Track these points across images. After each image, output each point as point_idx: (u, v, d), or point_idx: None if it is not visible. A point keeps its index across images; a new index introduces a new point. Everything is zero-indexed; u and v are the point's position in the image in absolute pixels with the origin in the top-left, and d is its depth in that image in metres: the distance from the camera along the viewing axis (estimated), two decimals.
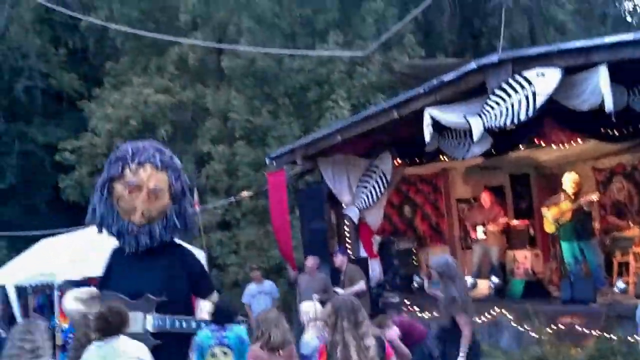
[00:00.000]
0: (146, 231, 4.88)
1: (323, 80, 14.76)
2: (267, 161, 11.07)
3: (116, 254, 5.16)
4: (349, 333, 3.96)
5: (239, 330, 5.01)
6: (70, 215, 18.37)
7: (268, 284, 10.16)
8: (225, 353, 4.92)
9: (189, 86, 16.68)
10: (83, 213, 17.92)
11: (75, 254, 11.43)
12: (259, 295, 9.92)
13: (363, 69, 14.39)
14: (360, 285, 8.86)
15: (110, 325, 4.21)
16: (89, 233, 13.09)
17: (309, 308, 5.76)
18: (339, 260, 9.22)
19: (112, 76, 18.95)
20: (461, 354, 5.44)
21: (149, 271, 4.88)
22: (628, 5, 21.19)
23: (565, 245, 9.04)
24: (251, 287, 10.10)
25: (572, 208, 8.82)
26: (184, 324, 4.80)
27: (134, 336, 4.43)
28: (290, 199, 11.13)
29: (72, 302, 4.80)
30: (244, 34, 15.16)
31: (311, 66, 14.79)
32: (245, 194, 12.97)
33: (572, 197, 8.92)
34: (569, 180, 9.01)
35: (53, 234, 14.85)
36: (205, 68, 17.01)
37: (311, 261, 9.14)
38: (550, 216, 9.08)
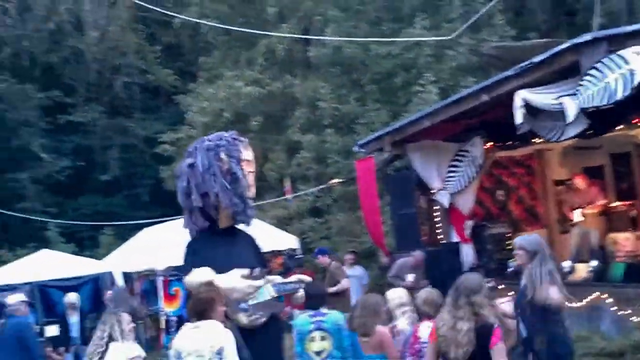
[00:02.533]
0: (252, 206, 5.29)
1: (410, 65, 14.66)
2: (356, 149, 11.18)
3: (199, 242, 5.31)
4: (463, 315, 4.09)
5: (336, 315, 5.15)
6: (171, 205, 19.22)
7: (359, 269, 10.31)
8: (323, 337, 5.06)
9: (277, 77, 17.04)
10: None
11: (177, 242, 11.97)
12: (350, 278, 10.10)
13: (451, 52, 14.18)
14: (342, 285, 9.13)
15: (203, 307, 4.39)
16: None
17: (395, 294, 5.81)
18: (322, 260, 9.36)
19: (206, 70, 19.65)
20: None
21: (241, 247, 5.19)
22: None
23: None
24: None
25: None
26: (290, 286, 5.18)
27: (266, 304, 4.84)
28: (379, 185, 11.20)
29: (239, 280, 4.94)
30: (330, 23, 15.29)
31: (398, 51, 14.72)
32: (335, 181, 13.16)
33: None
34: None
35: (155, 223, 15.67)
36: (292, 58, 17.32)
37: (418, 255, 9.19)
38: None
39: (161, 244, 12.48)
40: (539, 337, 4.87)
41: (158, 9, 16.03)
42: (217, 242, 5.20)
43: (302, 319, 5.13)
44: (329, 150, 14.78)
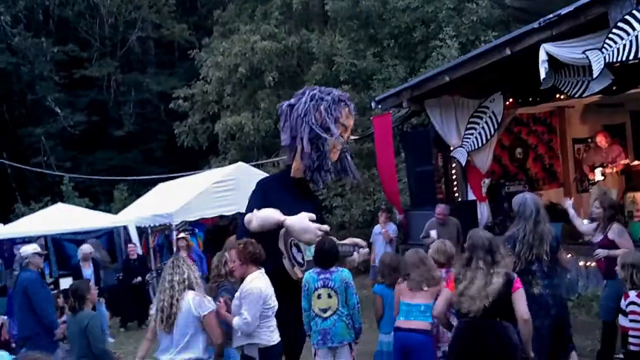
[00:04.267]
0: (334, 171, 5.53)
1: (430, 19, 14.29)
2: (373, 104, 10.97)
3: (270, 184, 5.57)
4: (479, 272, 4.19)
5: (344, 273, 5.08)
6: (185, 160, 19.32)
7: (392, 228, 10.19)
8: (329, 295, 5.02)
9: (294, 31, 16.75)
10: (197, 157, 18.86)
11: (191, 197, 12.00)
12: (378, 235, 10.04)
13: (472, 5, 13.77)
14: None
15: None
16: (203, 177, 13.80)
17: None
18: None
19: (221, 24, 19.35)
20: None
21: (307, 205, 5.31)
22: None
23: None
24: (375, 228, 10.29)
25: None
26: (345, 247, 5.42)
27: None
28: (395, 142, 11.03)
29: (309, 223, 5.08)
30: None
31: (417, 4, 14.34)
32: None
33: None
34: None
35: (169, 178, 15.69)
36: (309, 12, 16.97)
37: (442, 209, 9.03)
38: None
39: (175, 199, 12.51)
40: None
41: None
42: (287, 189, 5.39)
43: (309, 275, 5.09)
44: None
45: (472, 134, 9.83)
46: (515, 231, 5.19)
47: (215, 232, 12.86)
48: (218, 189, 11.95)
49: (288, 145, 5.50)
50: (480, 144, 9.78)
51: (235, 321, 4.61)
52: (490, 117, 9.73)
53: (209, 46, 18.92)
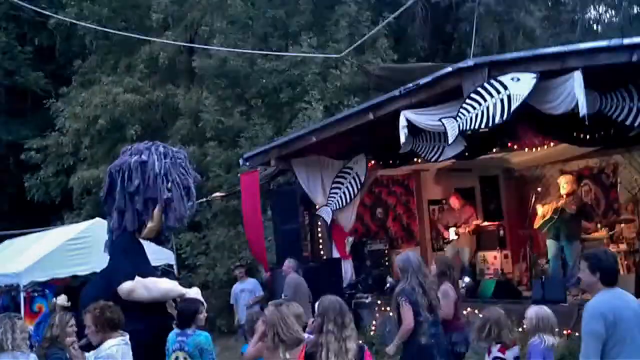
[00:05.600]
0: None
1: (296, 82, 14.74)
2: (241, 162, 11.03)
3: (130, 247, 5.20)
4: (332, 335, 3.99)
5: (200, 338, 4.95)
6: (35, 215, 18.04)
7: (251, 282, 10.16)
8: (185, 359, 4.89)
9: (159, 86, 16.50)
10: (48, 213, 17.64)
11: (41, 255, 11.20)
12: (241, 293, 9.93)
13: (336, 72, 14.43)
14: None
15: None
16: (55, 233, 12.94)
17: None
18: None
19: (81, 75, 18.66)
20: (395, 341, 5.46)
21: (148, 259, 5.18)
22: (593, 14, 21.66)
23: (549, 243, 9.22)
24: (235, 286, 10.21)
25: (557, 207, 9.02)
26: None
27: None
28: (262, 199, 11.10)
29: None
30: (216, 34, 15.06)
31: (284, 67, 14.77)
32: (217, 194, 12.89)
33: (565, 197, 9.09)
34: (564, 182, 9.20)
35: (18, 234, 14.54)
36: (176, 68, 16.85)
37: (287, 264, 9.10)
38: (541, 212, 9.28)
39: (24, 257, 11.60)
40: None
41: (32, 7, 15.00)
42: (141, 251, 5.13)
43: (171, 336, 4.93)
44: (210, 164, 14.46)
45: (336, 193, 10.17)
46: (404, 285, 5.41)
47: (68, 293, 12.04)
48: (72, 247, 11.24)
49: (139, 210, 5.12)
50: (344, 203, 10.13)
51: None
52: (354, 178, 10.14)
53: (67, 96, 18.09)
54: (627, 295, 3.68)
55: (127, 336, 4.43)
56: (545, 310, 4.96)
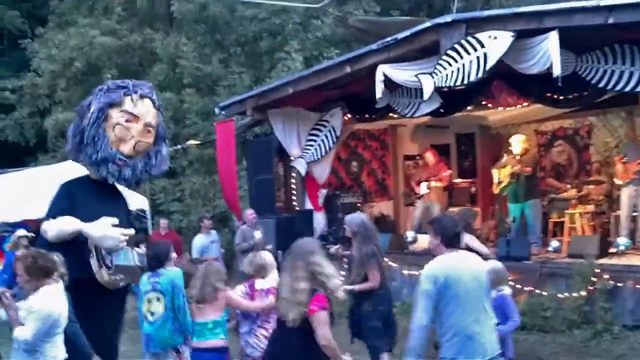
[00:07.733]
0: (130, 165, 4.74)
1: (276, 31, 14.53)
2: (217, 111, 10.93)
3: (75, 185, 4.87)
4: (286, 275, 4.03)
5: (172, 274, 5.00)
6: (9, 156, 17.83)
7: (214, 234, 10.19)
8: (158, 299, 4.95)
9: (136, 30, 16.18)
10: (22, 154, 17.44)
11: (14, 196, 11.13)
12: (211, 244, 9.96)
13: (317, 22, 14.22)
14: None
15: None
16: (28, 174, 12.82)
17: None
18: None
19: (57, 15, 18.21)
20: (350, 288, 5.53)
21: (114, 207, 4.78)
22: None
23: (510, 206, 9.33)
24: (201, 238, 10.08)
25: (512, 172, 9.06)
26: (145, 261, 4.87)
27: (128, 269, 4.54)
28: (237, 149, 11.07)
29: (111, 228, 4.50)
30: None
31: (264, 15, 14.52)
32: (192, 142, 12.83)
33: (519, 158, 9.10)
34: (516, 142, 9.21)
35: None
36: (154, 12, 16.51)
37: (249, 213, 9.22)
38: (497, 177, 9.33)
39: None
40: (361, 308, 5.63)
41: None
42: (92, 191, 4.79)
43: (143, 279, 4.98)
44: (187, 111, 14.33)
45: (312, 146, 10.16)
46: (372, 248, 5.62)
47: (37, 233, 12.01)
48: (43, 188, 11.16)
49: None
50: (319, 156, 10.14)
51: (16, 332, 4.04)
52: (329, 131, 10.13)
53: (43, 37, 17.69)
54: (467, 257, 3.88)
55: (61, 282, 4.20)
56: (498, 264, 5.21)
